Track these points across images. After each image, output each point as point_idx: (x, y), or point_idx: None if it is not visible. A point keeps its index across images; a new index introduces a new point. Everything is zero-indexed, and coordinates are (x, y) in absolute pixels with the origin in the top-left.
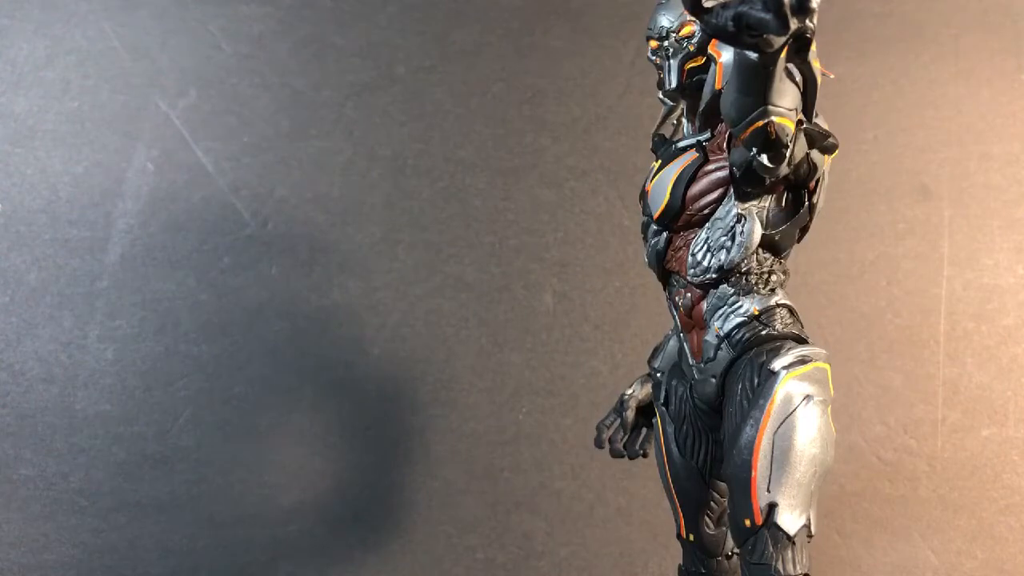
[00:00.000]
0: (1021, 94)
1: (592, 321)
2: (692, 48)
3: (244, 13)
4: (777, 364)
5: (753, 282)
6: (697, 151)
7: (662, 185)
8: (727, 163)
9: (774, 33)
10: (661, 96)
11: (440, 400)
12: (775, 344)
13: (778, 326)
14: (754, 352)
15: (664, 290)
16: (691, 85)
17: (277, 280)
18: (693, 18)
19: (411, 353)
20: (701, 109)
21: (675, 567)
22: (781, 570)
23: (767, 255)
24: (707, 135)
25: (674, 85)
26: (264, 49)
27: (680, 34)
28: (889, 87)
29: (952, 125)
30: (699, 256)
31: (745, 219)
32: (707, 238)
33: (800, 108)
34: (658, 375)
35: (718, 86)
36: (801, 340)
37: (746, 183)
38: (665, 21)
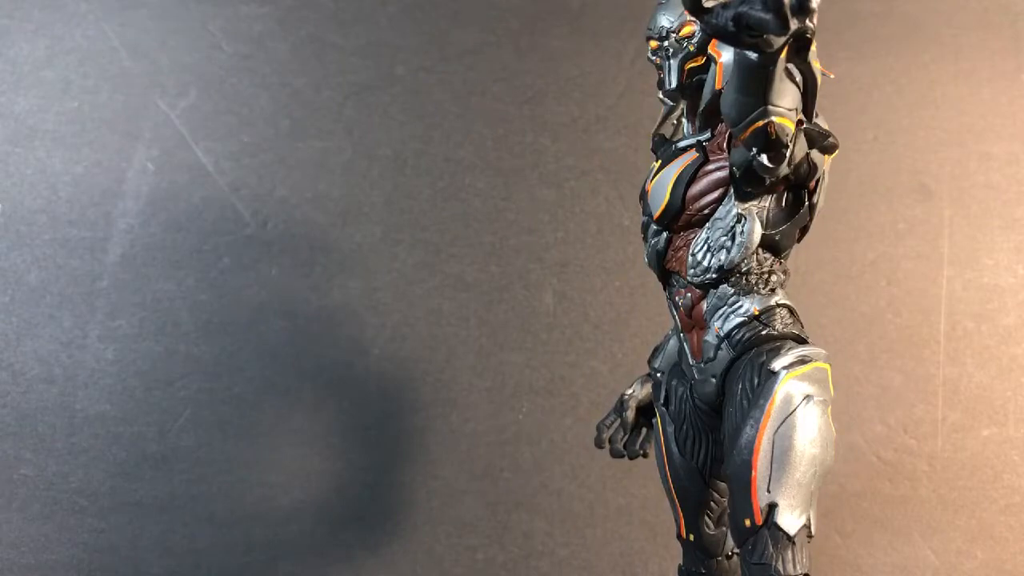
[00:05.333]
0: (1021, 94)
1: (592, 321)
2: (692, 48)
3: (244, 13)
4: (777, 364)
5: (753, 282)
6: (697, 151)
7: (662, 185)
8: (727, 163)
9: (774, 33)
10: (661, 96)
11: (440, 400)
12: (775, 344)
13: (778, 326)
14: (754, 352)
15: (664, 290)
16: (691, 85)
17: (277, 280)
18: (693, 18)
19: (411, 353)
20: (701, 109)
21: (675, 567)
22: (781, 570)
23: (767, 255)
24: (707, 135)
25: (674, 85)
26: (264, 49)
27: (680, 34)
28: (889, 87)
29: (952, 125)
30: (699, 256)
31: (745, 219)
32: (707, 238)
33: (800, 108)
34: (658, 375)
35: (718, 86)
36: (801, 340)
37: (746, 183)
38: (665, 21)
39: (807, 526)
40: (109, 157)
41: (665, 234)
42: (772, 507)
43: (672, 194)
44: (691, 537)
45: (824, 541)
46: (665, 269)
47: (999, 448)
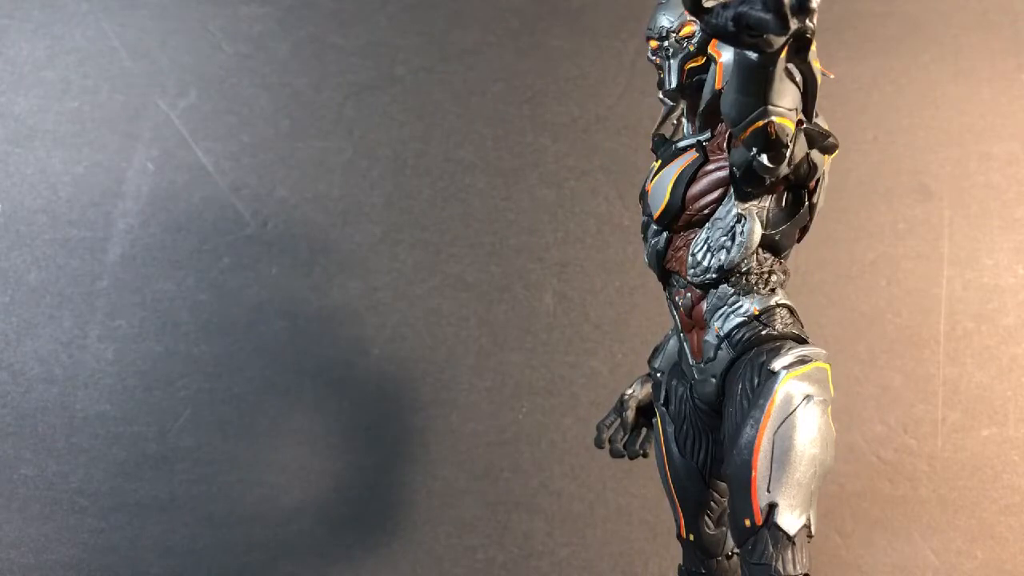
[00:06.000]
0: (1021, 94)
1: (592, 321)
2: (692, 48)
3: (244, 13)
4: (777, 364)
5: (753, 282)
6: (697, 151)
7: (662, 185)
8: (727, 163)
9: (774, 33)
10: (661, 96)
11: (440, 400)
12: (775, 344)
13: (778, 326)
14: (754, 352)
15: (664, 290)
16: (691, 85)
17: (277, 280)
18: (693, 18)
19: (411, 353)
20: (701, 109)
21: (675, 567)
22: (781, 570)
23: (767, 255)
24: (707, 135)
25: (674, 85)
26: (264, 49)
27: (680, 34)
28: (889, 87)
29: (952, 125)
30: (699, 256)
31: (745, 219)
32: (707, 238)
33: (800, 108)
34: (658, 375)
35: (718, 86)
36: (801, 340)
37: (746, 183)
38: (665, 21)
39: (807, 526)
40: (109, 157)
41: (665, 234)
42: (772, 507)
43: (672, 194)
44: (691, 537)
45: (824, 541)
46: (665, 269)
47: (999, 448)
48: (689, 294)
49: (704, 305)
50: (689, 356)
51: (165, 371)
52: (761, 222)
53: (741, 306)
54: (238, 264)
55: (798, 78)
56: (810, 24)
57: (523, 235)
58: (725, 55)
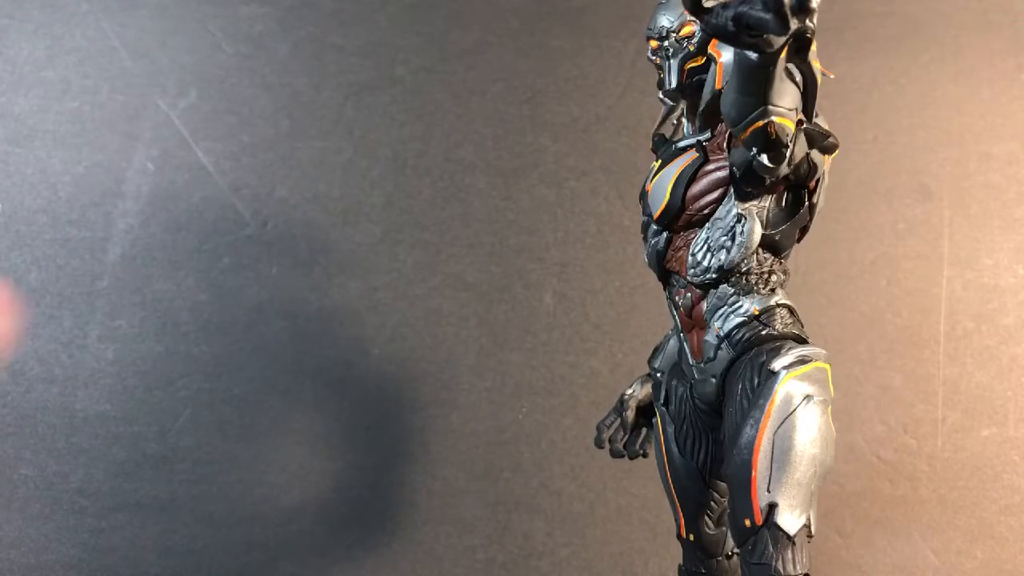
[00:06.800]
0: (1021, 94)
1: (592, 321)
2: (692, 48)
3: (244, 13)
4: (777, 364)
5: (753, 282)
6: (697, 151)
7: (662, 185)
8: (727, 163)
9: (774, 33)
10: (661, 96)
11: (440, 400)
12: (775, 344)
13: (778, 326)
14: (754, 352)
15: (664, 290)
16: (691, 85)
17: (277, 280)
18: (693, 18)
19: (411, 353)
20: (701, 109)
21: (675, 567)
22: (781, 570)
23: (767, 255)
24: (707, 135)
25: (674, 85)
26: (264, 49)
27: (680, 34)
28: (889, 87)
29: (952, 125)
30: (699, 256)
31: (745, 219)
32: (707, 238)
33: (800, 108)
34: (658, 375)
35: (718, 86)
36: (801, 340)
37: (746, 183)
38: (665, 21)
39: (807, 526)
40: (109, 157)
41: (665, 234)
42: (772, 507)
43: (672, 194)
44: (691, 537)
45: (824, 541)
46: (665, 269)
47: (999, 448)
48: (689, 294)
49: (704, 305)
50: (689, 356)
51: (165, 371)
52: (761, 222)
53: (741, 306)
54: (238, 264)
55: (798, 78)
56: (810, 24)
57: (523, 235)
58: (725, 55)
